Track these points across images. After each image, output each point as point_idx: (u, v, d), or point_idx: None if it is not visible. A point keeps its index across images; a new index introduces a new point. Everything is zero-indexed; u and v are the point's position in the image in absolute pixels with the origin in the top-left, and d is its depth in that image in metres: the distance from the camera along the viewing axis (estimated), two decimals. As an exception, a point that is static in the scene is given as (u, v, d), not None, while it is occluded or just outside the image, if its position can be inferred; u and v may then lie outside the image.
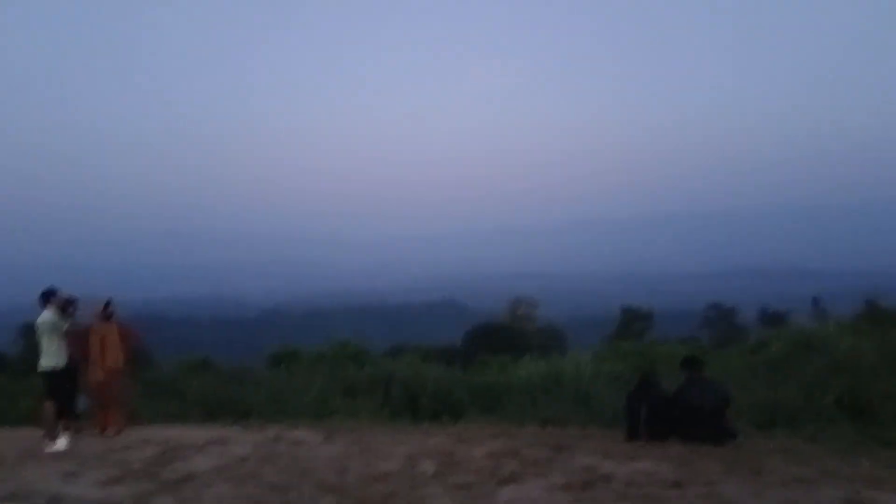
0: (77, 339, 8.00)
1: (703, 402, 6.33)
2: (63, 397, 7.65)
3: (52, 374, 7.60)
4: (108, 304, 8.44)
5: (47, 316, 7.75)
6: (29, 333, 34.37)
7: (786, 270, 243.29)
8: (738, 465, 5.69)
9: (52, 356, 7.64)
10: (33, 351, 7.77)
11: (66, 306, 7.91)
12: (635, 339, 24.36)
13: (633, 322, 32.00)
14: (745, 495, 4.81)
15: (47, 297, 7.80)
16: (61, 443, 7.33)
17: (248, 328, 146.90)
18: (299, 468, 5.90)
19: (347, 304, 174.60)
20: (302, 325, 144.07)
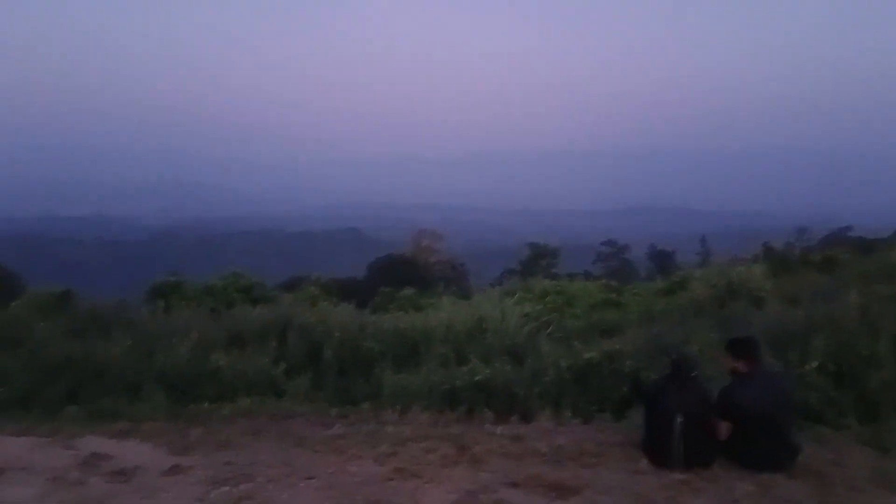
0: None
1: (768, 409, 4.20)
2: None
3: None
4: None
5: None
6: None
7: (672, 209, 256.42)
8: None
9: None
10: None
11: None
12: (542, 274, 24.24)
13: (540, 258, 32.09)
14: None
15: None
16: None
17: (136, 252, 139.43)
18: None
19: (244, 229, 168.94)
20: (194, 251, 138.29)
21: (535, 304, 11.29)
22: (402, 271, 40.37)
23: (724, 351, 4.60)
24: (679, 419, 4.13)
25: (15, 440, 4.47)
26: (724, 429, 4.26)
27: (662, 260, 60.58)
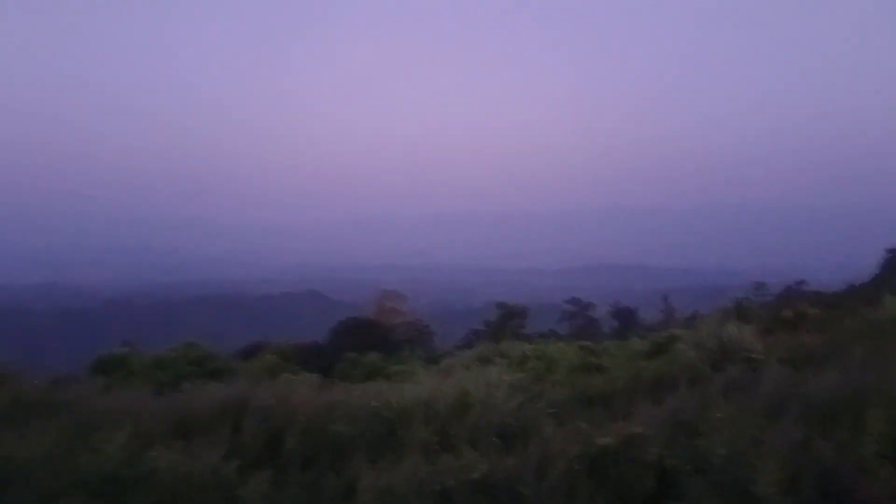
0: None
1: None
2: None
3: None
4: None
5: None
6: None
7: (629, 267, 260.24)
8: None
9: None
10: None
11: None
12: (510, 336, 23.48)
13: (509, 318, 31.33)
14: None
15: None
16: None
17: (89, 320, 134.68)
18: None
19: (203, 293, 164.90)
20: (151, 318, 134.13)
21: (514, 371, 10.48)
22: (366, 334, 39.16)
23: None
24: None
25: None
26: None
27: (626, 317, 60.38)
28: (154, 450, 4.88)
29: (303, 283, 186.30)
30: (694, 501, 4.09)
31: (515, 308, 31.76)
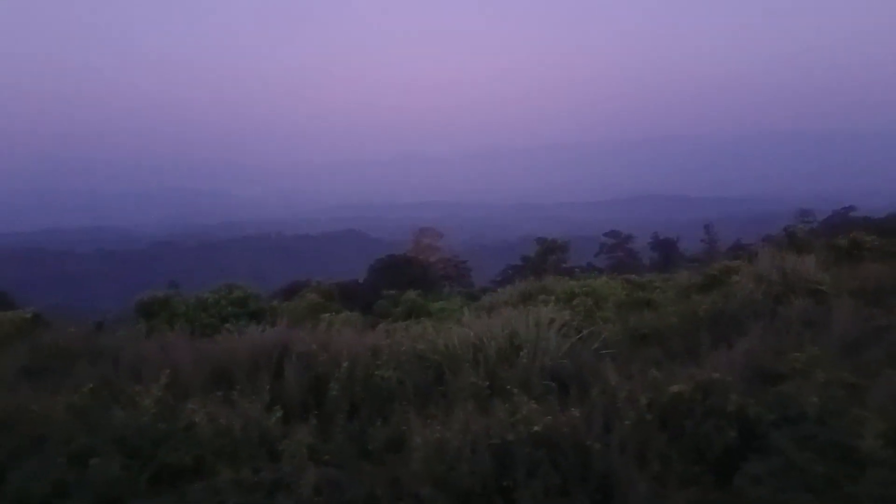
0: None
1: None
2: None
3: None
4: None
5: None
6: None
7: (668, 197, 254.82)
8: None
9: None
10: None
11: None
12: (554, 272, 22.97)
13: (549, 253, 30.73)
14: None
15: None
16: None
17: (135, 261, 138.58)
18: None
19: (244, 234, 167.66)
20: (194, 258, 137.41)
21: (560, 309, 10.03)
22: (404, 272, 39.14)
23: None
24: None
25: None
26: None
27: (667, 249, 59.07)
28: (192, 401, 4.61)
29: (341, 222, 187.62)
30: (783, 456, 3.63)
31: (556, 242, 31.13)
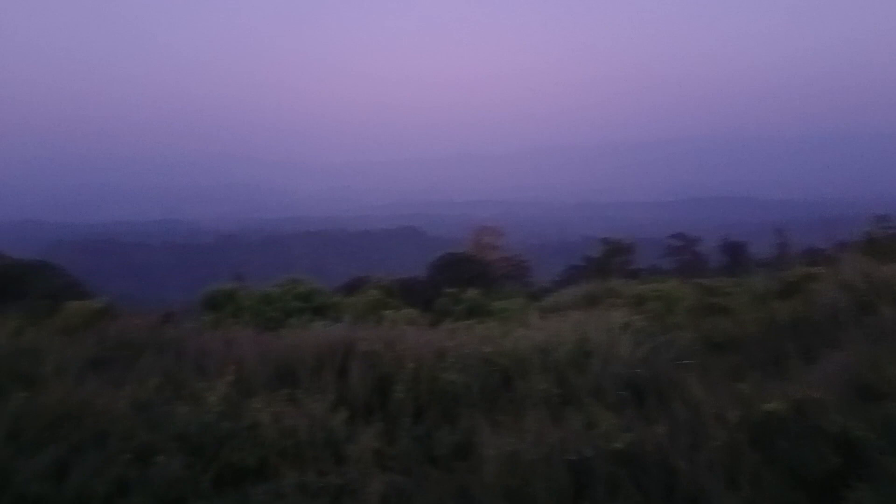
0: None
1: None
2: None
3: None
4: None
5: None
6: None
7: (734, 199, 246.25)
8: None
9: None
10: None
11: None
12: (620, 274, 22.27)
13: (614, 254, 29.89)
14: None
15: None
16: None
17: (202, 254, 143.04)
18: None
19: (306, 230, 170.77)
20: (258, 252, 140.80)
21: (630, 313, 9.64)
22: (464, 269, 38.92)
23: None
24: None
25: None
26: None
27: (736, 253, 56.98)
28: (257, 399, 4.53)
29: (400, 218, 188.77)
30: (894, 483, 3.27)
31: (622, 243, 30.24)
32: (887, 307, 8.46)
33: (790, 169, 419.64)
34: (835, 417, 3.75)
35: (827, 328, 8.27)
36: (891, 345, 6.61)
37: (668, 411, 4.32)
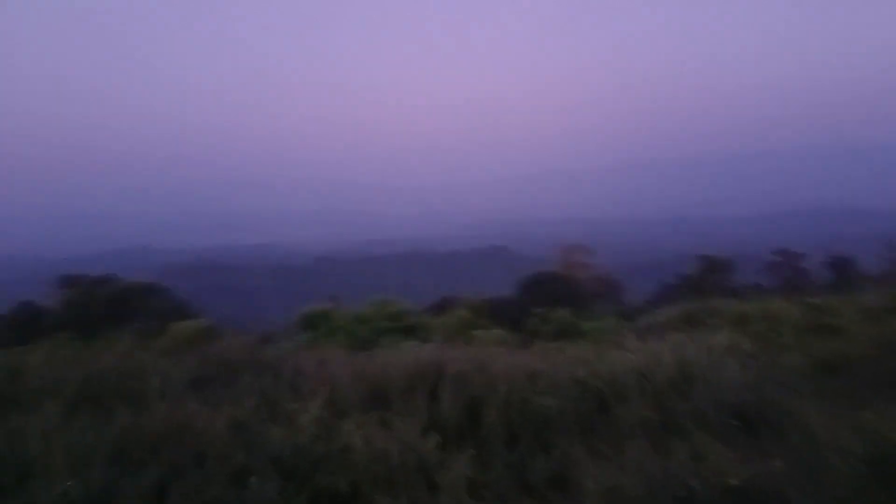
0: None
1: None
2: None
3: None
4: None
5: None
6: (70, 284, 33.38)
7: (837, 211, 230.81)
8: None
9: None
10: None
11: None
12: (718, 292, 21.22)
13: (713, 271, 28.57)
14: None
15: None
16: None
17: (300, 276, 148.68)
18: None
19: (398, 252, 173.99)
20: (353, 273, 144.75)
21: (733, 333, 9.09)
22: (554, 289, 38.34)
23: None
24: None
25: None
26: None
27: (843, 268, 53.30)
28: (349, 421, 4.52)
29: (489, 238, 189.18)
30: None
31: (719, 260, 28.89)
32: None
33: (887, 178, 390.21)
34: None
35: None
36: None
37: (782, 442, 3.97)
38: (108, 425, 4.68)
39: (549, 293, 35.57)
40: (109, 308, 32.16)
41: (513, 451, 4.76)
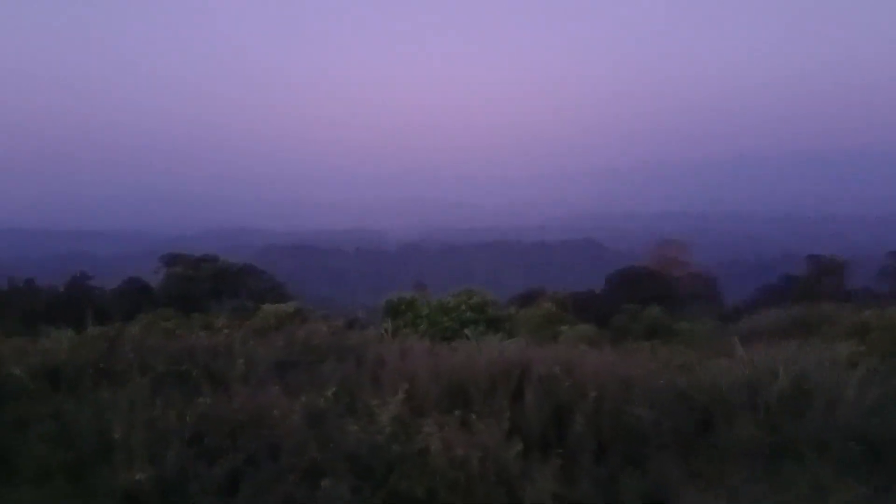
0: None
1: None
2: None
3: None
4: None
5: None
6: (174, 262, 35.29)
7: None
8: None
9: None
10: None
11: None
12: (830, 297, 19.68)
13: (825, 274, 26.59)
14: None
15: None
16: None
17: (388, 261, 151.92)
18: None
19: (483, 241, 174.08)
20: (438, 261, 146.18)
21: (850, 344, 8.26)
22: (646, 286, 36.92)
23: None
24: None
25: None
26: None
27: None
28: (428, 421, 4.27)
29: (579, 230, 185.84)
30: None
31: (833, 262, 26.86)
32: None
33: None
34: None
35: None
36: None
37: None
38: (190, 405, 4.66)
39: (641, 290, 34.33)
40: (209, 286, 33.73)
41: (602, 464, 4.39)
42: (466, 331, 12.07)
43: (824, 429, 4.77)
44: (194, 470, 3.76)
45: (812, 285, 24.88)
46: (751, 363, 5.83)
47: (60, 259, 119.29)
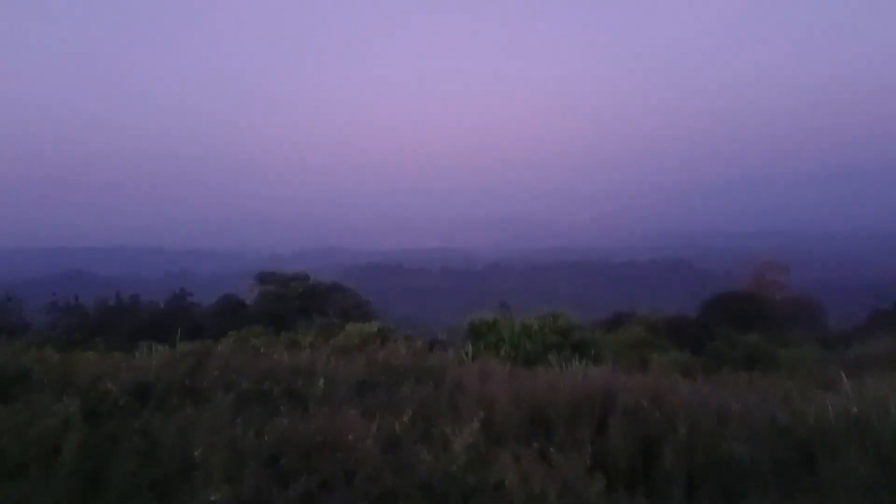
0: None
1: None
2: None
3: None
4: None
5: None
6: (266, 280, 36.58)
7: None
8: None
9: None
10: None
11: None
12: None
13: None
14: None
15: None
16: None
17: (473, 280, 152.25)
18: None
19: (569, 260, 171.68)
20: (523, 280, 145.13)
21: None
22: (743, 310, 35.19)
23: None
24: None
25: None
26: None
27: None
28: (505, 451, 4.12)
29: (668, 250, 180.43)
30: None
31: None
32: None
33: None
34: None
35: None
36: None
37: None
38: (270, 425, 4.70)
39: (737, 314, 32.74)
40: (299, 303, 34.73)
41: (693, 502, 4.09)
42: (550, 355, 11.79)
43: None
44: (269, 492, 3.76)
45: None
46: (859, 395, 5.35)
47: (171, 277, 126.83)
